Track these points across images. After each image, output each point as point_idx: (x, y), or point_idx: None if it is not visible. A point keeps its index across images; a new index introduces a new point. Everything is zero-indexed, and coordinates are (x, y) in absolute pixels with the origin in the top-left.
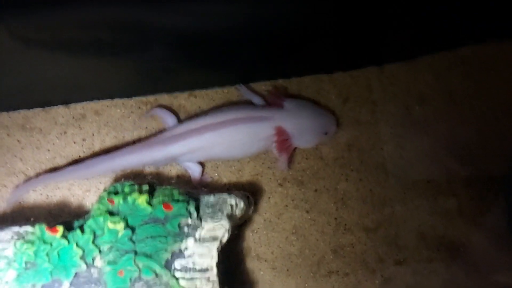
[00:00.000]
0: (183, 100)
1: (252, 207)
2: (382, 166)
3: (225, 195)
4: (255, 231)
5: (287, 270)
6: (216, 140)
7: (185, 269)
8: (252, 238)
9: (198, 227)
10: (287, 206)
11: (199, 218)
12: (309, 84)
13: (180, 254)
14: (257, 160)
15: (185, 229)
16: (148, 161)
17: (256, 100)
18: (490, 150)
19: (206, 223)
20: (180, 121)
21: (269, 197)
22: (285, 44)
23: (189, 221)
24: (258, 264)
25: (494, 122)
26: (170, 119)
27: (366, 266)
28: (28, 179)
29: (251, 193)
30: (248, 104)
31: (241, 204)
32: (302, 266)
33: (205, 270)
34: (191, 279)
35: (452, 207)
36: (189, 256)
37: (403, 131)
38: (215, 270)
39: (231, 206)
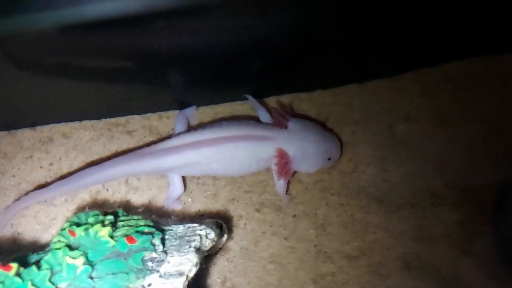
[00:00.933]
0: (155, 121)
1: (226, 235)
2: (364, 190)
3: (194, 225)
4: (231, 259)
5: None
6: (214, 156)
7: None
8: (227, 268)
9: (164, 261)
10: (264, 232)
11: (165, 252)
12: (287, 103)
13: None
14: (233, 184)
15: (149, 263)
16: (141, 172)
17: (263, 115)
18: (479, 171)
19: (172, 257)
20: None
21: (245, 224)
22: (263, 63)
23: (154, 255)
24: None
25: (483, 142)
26: (179, 126)
27: None
28: (17, 199)
29: (226, 219)
30: (250, 120)
31: (212, 235)
32: None
33: None
34: None
35: (439, 233)
36: None
37: (386, 152)
38: None
39: (200, 236)
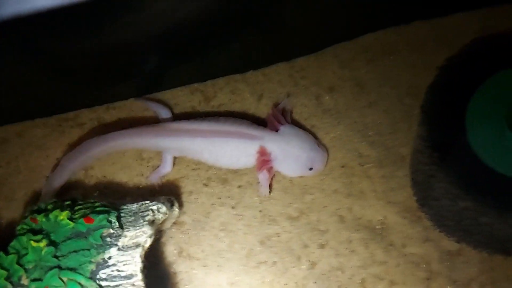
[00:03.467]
0: (103, 113)
1: (177, 209)
2: None
3: (147, 202)
4: (185, 232)
5: (218, 266)
6: (206, 146)
7: (110, 278)
8: (183, 239)
9: (121, 236)
10: (213, 204)
11: (121, 227)
12: (223, 86)
13: (104, 263)
14: (181, 163)
15: (108, 239)
16: (140, 146)
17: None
18: (398, 130)
19: (128, 231)
20: (173, 114)
21: (196, 198)
22: (195, 48)
23: (111, 231)
24: (190, 263)
25: (399, 104)
26: (163, 111)
27: (292, 253)
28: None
29: (177, 195)
30: (245, 120)
31: (163, 209)
32: (233, 260)
33: (130, 276)
34: (117, 286)
35: (366, 188)
36: (114, 264)
37: (316, 121)
38: (140, 276)
39: (153, 211)
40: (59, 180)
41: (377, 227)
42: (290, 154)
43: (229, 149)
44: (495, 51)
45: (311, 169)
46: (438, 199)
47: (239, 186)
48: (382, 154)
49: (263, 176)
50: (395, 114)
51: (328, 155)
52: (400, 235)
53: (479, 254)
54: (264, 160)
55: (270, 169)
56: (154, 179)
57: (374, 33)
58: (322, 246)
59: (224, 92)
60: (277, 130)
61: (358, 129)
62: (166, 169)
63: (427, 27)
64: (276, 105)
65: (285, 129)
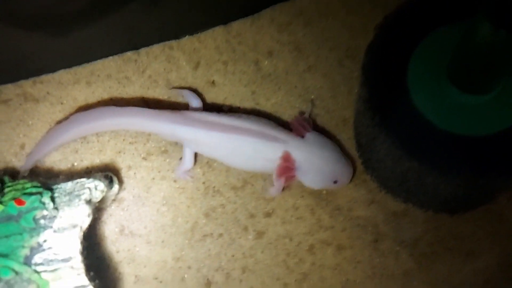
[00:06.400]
0: (29, 88)
1: (117, 186)
2: None
3: (82, 180)
4: (126, 209)
5: (162, 241)
6: (222, 142)
7: (47, 262)
8: (123, 216)
9: (56, 217)
10: (154, 178)
11: (56, 208)
12: (158, 54)
13: (39, 247)
14: (118, 137)
15: (42, 221)
16: (153, 130)
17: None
18: (339, 94)
19: (64, 212)
20: (205, 103)
21: (135, 173)
22: (126, 14)
23: (45, 212)
24: (133, 240)
25: (339, 67)
26: (194, 101)
27: (238, 223)
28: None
29: (116, 171)
30: (270, 121)
31: (101, 186)
32: (177, 235)
33: (68, 259)
34: (55, 270)
35: None
36: (49, 248)
37: (256, 87)
38: (78, 257)
39: (90, 189)
40: (64, 138)
41: (322, 192)
42: (315, 165)
43: (247, 149)
44: (431, 9)
45: (335, 182)
46: (381, 161)
47: (180, 159)
48: (324, 117)
49: (279, 183)
50: (335, 77)
51: (354, 169)
52: (346, 199)
53: (424, 214)
54: (287, 167)
55: (290, 178)
56: (182, 175)
57: None
58: (268, 214)
59: (159, 61)
60: (302, 137)
61: (299, 94)
62: (186, 165)
63: None
64: (301, 113)
65: (311, 136)
